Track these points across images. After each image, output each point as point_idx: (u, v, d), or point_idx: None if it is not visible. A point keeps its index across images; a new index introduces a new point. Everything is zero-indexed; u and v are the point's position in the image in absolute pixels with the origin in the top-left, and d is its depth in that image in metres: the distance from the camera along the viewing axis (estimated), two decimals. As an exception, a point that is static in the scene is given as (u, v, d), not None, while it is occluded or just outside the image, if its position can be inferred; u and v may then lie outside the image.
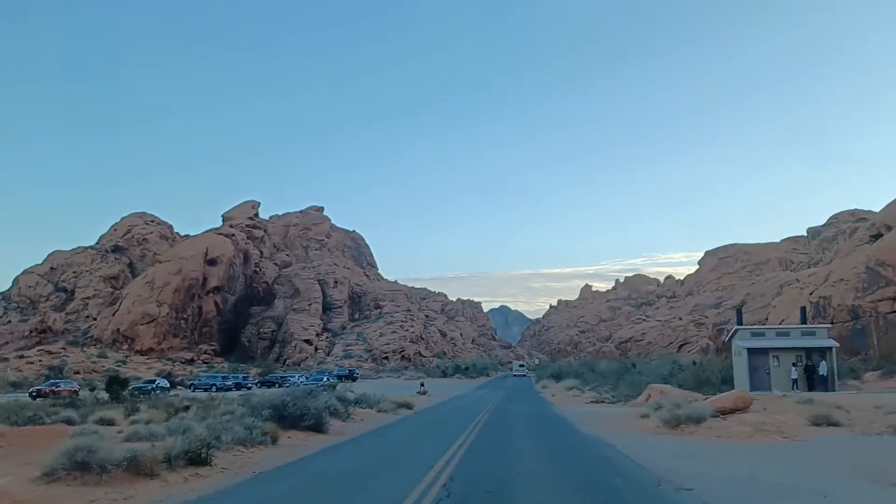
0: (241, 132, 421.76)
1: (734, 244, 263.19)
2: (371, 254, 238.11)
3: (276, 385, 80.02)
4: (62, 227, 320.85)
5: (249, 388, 70.04)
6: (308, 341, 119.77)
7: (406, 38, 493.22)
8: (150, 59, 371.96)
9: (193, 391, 75.78)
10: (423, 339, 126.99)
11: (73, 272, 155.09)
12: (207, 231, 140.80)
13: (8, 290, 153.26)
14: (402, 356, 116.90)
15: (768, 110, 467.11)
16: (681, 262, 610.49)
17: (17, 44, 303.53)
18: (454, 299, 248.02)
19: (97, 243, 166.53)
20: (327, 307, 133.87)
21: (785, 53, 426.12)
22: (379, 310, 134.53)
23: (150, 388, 67.04)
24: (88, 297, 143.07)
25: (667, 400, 32.27)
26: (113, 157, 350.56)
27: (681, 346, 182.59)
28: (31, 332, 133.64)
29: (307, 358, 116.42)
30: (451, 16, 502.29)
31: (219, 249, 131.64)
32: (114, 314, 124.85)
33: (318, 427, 24.38)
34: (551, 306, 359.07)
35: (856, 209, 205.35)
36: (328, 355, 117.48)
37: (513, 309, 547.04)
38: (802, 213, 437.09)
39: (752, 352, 42.88)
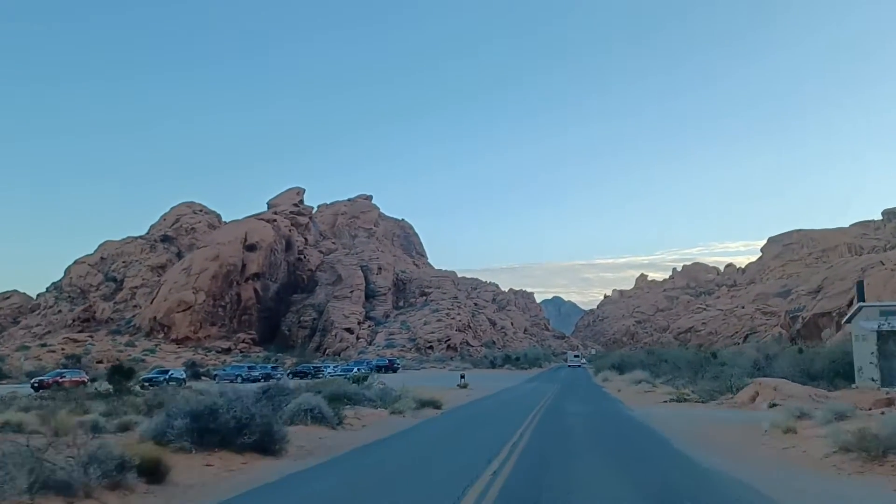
0: (292, 124, 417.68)
1: (799, 230, 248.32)
2: (420, 243, 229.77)
3: (309, 376, 71.50)
4: (116, 218, 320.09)
5: (279, 380, 62.27)
6: (349, 330, 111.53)
7: (454, 28, 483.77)
8: (199, 55, 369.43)
9: (218, 382, 68.86)
10: (470, 327, 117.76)
11: (123, 262, 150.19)
12: (248, 217, 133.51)
13: (60, 280, 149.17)
14: (448, 345, 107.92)
15: (829, 95, 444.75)
16: (739, 252, 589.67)
17: (66, 44, 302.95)
18: (506, 290, 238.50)
19: (147, 233, 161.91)
20: (370, 294, 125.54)
21: (848, 37, 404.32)
22: (425, 297, 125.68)
23: (161, 379, 59.27)
24: (136, 287, 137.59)
25: (789, 400, 22.31)
26: (169, 148, 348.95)
27: (747, 335, 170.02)
28: (74, 320, 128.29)
29: (348, 347, 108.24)
30: (501, 2, 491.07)
31: (258, 235, 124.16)
32: (151, 302, 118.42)
33: (265, 446, 15.16)
34: (606, 296, 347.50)
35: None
36: (370, 344, 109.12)
37: (566, 300, 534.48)
38: (874, 197, 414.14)
39: (884, 335, 32.49)
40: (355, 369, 67.60)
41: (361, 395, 30.10)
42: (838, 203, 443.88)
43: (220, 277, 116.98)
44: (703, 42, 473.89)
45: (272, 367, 76.11)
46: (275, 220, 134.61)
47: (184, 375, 64.29)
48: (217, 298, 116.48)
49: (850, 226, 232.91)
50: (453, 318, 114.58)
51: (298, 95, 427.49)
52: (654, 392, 40.12)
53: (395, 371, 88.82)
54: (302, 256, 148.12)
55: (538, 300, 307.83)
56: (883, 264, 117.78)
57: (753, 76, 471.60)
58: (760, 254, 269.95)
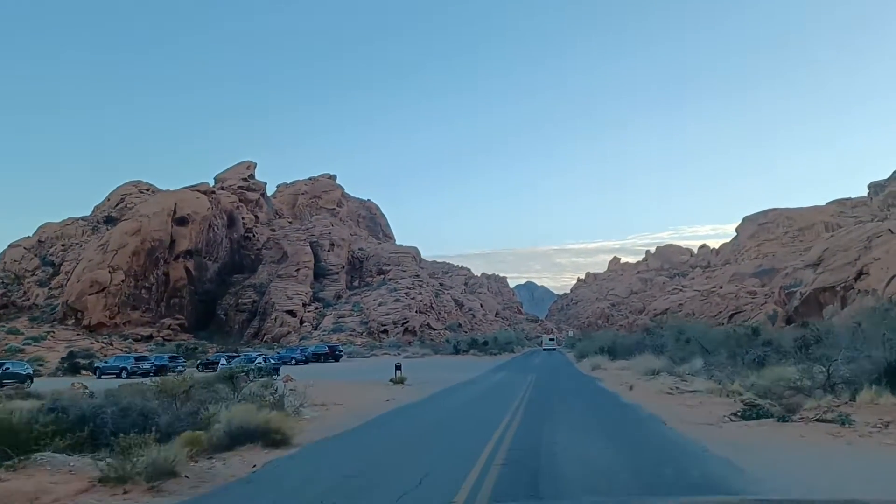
0: (247, 100, 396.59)
1: (775, 209, 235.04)
2: (387, 224, 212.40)
3: (218, 367, 53.57)
4: (61, 200, 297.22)
5: (181, 372, 45.19)
6: (291, 312, 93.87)
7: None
8: (149, 23, 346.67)
9: (99, 377, 51.83)
10: (433, 309, 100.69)
11: (63, 245, 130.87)
12: (183, 189, 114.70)
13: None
14: (406, 329, 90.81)
15: (801, 78, 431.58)
16: (708, 235, 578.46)
17: None
18: (478, 274, 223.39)
19: (91, 214, 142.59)
20: (320, 273, 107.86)
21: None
22: (382, 276, 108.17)
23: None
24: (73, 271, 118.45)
25: None
26: (120, 126, 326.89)
27: (732, 315, 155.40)
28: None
29: (289, 333, 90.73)
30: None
31: (190, 207, 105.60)
32: (65, 284, 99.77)
33: None
34: (579, 280, 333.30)
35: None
36: (315, 329, 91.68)
37: (539, 285, 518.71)
38: (848, 174, 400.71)
39: None
40: (258, 360, 49.87)
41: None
42: (811, 183, 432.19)
43: (143, 254, 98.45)
44: (662, 16, 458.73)
45: (170, 358, 58.12)
46: (213, 193, 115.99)
47: (28, 370, 46.20)
48: (139, 279, 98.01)
49: (827, 204, 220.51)
50: (413, 299, 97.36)
51: (256, 70, 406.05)
52: (696, 395, 22.73)
53: (336, 359, 71.62)
54: (251, 234, 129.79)
55: (511, 285, 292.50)
56: (893, 232, 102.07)
57: (721, 62, 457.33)
58: (735, 234, 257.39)
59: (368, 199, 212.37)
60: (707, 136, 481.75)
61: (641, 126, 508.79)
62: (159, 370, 51.03)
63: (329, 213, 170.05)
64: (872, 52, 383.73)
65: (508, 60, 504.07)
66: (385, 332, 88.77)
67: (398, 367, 36.94)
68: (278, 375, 41.18)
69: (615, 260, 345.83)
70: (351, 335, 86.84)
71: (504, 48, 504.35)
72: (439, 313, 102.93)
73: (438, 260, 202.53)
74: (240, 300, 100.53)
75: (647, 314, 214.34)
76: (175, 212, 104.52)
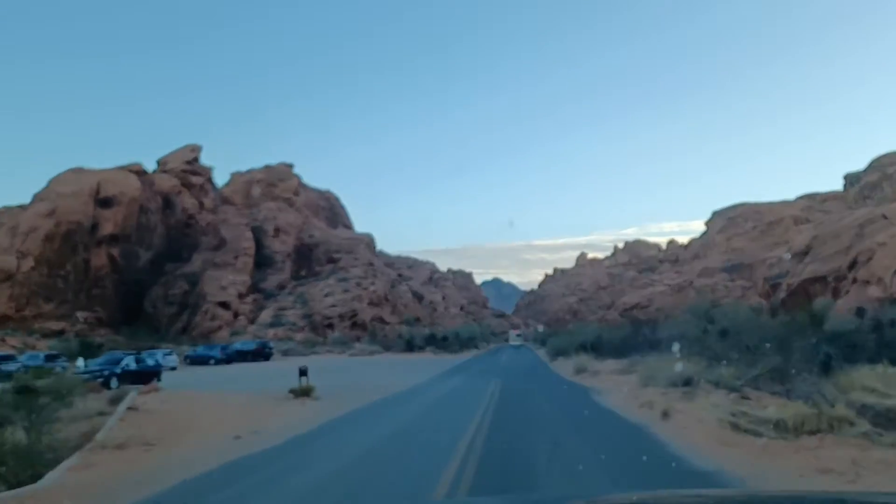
0: (206, 86, 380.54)
1: (744, 203, 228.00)
2: (347, 215, 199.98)
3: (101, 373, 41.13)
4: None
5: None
6: (224, 305, 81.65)
7: None
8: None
9: None
10: (388, 301, 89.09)
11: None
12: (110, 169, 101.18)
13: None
14: (354, 323, 79.16)
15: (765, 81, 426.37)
16: (674, 232, 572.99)
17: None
18: (444, 269, 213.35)
19: (31, 203, 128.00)
20: (264, 262, 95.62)
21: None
22: (332, 264, 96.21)
23: None
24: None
25: None
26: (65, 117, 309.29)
27: (712, 307, 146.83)
28: None
29: (221, 327, 78.54)
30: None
31: (117, 187, 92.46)
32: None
33: None
34: (547, 275, 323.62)
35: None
36: (251, 323, 79.51)
37: (505, 281, 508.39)
38: (817, 169, 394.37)
39: None
40: (148, 360, 37.67)
41: None
42: (780, 178, 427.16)
43: (59, 239, 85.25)
44: (631, 16, 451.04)
45: (48, 357, 45.57)
46: (145, 174, 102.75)
47: None
48: (54, 266, 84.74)
49: (796, 198, 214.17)
50: (365, 290, 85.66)
51: (219, 61, 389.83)
52: (798, 437, 11.19)
53: (267, 358, 59.70)
54: (193, 221, 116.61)
55: (478, 282, 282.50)
56: (887, 218, 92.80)
57: (689, 58, 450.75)
58: (705, 229, 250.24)
59: (328, 190, 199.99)
60: (674, 132, 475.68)
61: (607, 124, 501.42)
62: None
63: (285, 202, 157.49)
64: (843, 46, 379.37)
65: (479, 58, 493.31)
66: (330, 326, 77.15)
67: (303, 373, 25.32)
68: (159, 381, 31.32)
69: (582, 255, 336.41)
70: (290, 330, 75.03)
71: (475, 46, 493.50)
72: (395, 306, 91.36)
73: (403, 255, 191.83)
74: (169, 291, 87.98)
75: (617, 309, 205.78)
76: (98, 192, 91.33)
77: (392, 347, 70.38)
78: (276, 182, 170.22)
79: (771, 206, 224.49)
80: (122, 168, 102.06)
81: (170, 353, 52.86)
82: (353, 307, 79.82)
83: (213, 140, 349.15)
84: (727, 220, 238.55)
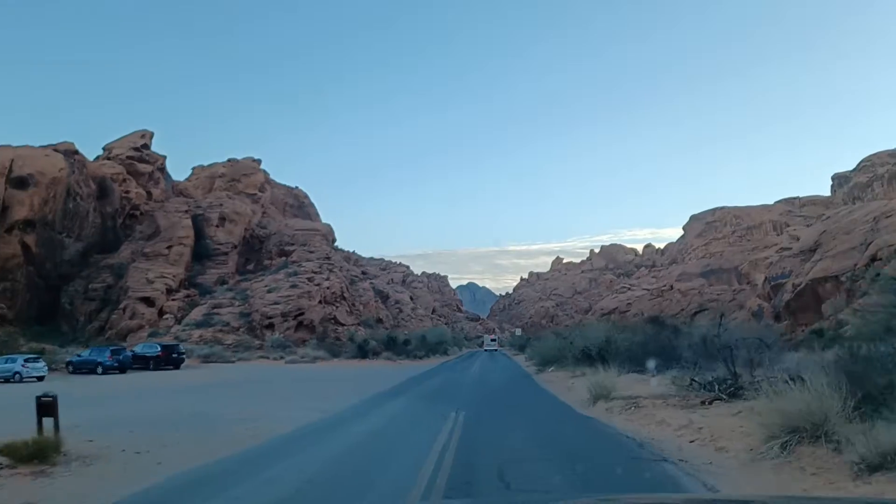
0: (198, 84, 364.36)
1: (722, 207, 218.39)
2: (318, 214, 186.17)
3: None
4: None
5: None
6: (148, 301, 67.47)
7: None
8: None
9: None
10: (345, 299, 75.31)
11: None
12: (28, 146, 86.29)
13: None
14: (300, 323, 65.25)
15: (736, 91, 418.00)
16: (647, 239, 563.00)
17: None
18: (419, 273, 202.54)
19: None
20: (205, 253, 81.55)
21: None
22: (284, 258, 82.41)
23: None
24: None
25: None
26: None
27: (696, 313, 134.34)
28: None
29: (141, 326, 64.39)
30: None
31: (34, 166, 77.65)
32: None
33: None
34: (522, 279, 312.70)
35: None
36: (178, 322, 65.41)
37: (480, 286, 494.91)
38: (797, 174, 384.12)
39: None
40: None
41: None
42: (750, 185, 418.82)
43: (-45, 223, 70.56)
44: (610, 22, 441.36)
45: None
46: (75, 153, 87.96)
47: None
48: (-51, 255, 70.07)
49: (775, 203, 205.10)
50: (318, 286, 71.87)
51: (190, 46, 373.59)
52: None
53: (176, 365, 45.67)
54: (137, 212, 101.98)
55: (453, 286, 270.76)
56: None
57: (666, 64, 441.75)
58: (682, 233, 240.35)
59: (297, 187, 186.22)
60: (648, 139, 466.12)
61: (582, 130, 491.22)
62: None
63: (250, 198, 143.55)
64: (822, 50, 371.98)
65: (455, 63, 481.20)
66: (270, 327, 63.35)
67: (45, 409, 11.73)
68: None
69: (558, 260, 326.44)
70: (221, 331, 61.12)
71: (453, 51, 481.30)
72: (352, 305, 77.61)
73: (376, 257, 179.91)
74: (90, 285, 73.65)
75: (594, 313, 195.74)
76: (11, 170, 76.69)
77: (339, 353, 56.82)
78: (240, 177, 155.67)
79: (749, 210, 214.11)
80: (47, 147, 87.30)
81: (36, 359, 38.91)
82: (300, 305, 66.03)
83: (189, 142, 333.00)
84: (705, 225, 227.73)
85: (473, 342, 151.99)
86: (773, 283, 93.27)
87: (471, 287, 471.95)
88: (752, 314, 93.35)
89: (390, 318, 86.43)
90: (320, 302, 70.40)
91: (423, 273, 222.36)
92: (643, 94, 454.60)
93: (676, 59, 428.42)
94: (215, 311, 66.61)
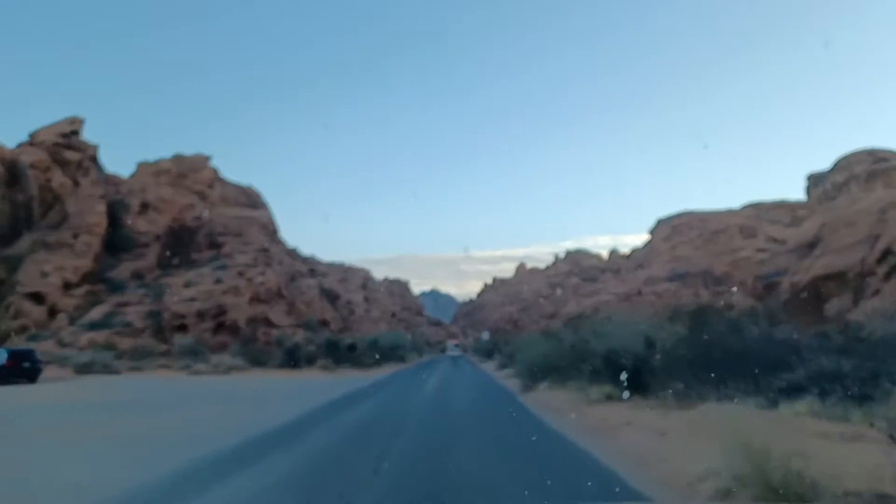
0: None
1: (689, 212, 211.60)
2: (272, 215, 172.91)
3: None
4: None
5: None
6: (38, 297, 54.17)
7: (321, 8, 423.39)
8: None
9: None
10: (282, 297, 62.51)
11: None
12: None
13: None
14: (221, 324, 52.41)
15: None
16: (608, 245, 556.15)
17: None
18: (380, 278, 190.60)
19: None
20: (122, 244, 68.33)
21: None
22: (216, 250, 69.60)
23: None
24: None
25: None
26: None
27: (670, 317, 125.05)
28: None
29: (27, 327, 51.02)
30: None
31: (-85, 140, 63.75)
32: None
33: None
34: (486, 284, 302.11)
35: (873, 148, 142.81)
36: (72, 323, 52.16)
37: (443, 292, 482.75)
38: (769, 175, 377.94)
39: None
40: None
41: None
42: (715, 190, 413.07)
43: None
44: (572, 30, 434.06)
45: None
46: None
47: None
48: None
49: (742, 207, 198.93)
50: (249, 280, 59.24)
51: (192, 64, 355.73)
52: None
53: (31, 378, 32.69)
54: (58, 202, 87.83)
55: (416, 292, 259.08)
56: (917, 200, 70.76)
57: (627, 67, 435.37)
58: (649, 237, 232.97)
59: (250, 186, 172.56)
60: (609, 145, 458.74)
61: (545, 138, 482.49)
62: None
63: (197, 195, 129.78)
64: (782, 52, 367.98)
65: (418, 70, 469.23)
66: (182, 328, 50.47)
67: None
68: None
69: (522, 266, 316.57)
70: (119, 334, 48.05)
71: (421, 54, 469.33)
72: (292, 305, 64.76)
73: (336, 262, 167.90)
74: (-24, 280, 60.05)
75: (560, 318, 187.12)
76: None
77: (269, 360, 44.25)
78: (188, 172, 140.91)
79: (716, 214, 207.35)
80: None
81: None
82: (223, 303, 53.20)
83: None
84: (671, 229, 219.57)
85: (435, 348, 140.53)
86: (765, 283, 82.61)
87: (434, 293, 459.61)
88: (744, 315, 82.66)
89: (339, 320, 73.91)
90: (251, 300, 57.61)
91: (385, 278, 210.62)
92: (602, 99, 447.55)
93: (636, 60, 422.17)
94: (120, 309, 53.44)
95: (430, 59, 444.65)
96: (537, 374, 24.02)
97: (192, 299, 53.08)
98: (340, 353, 49.25)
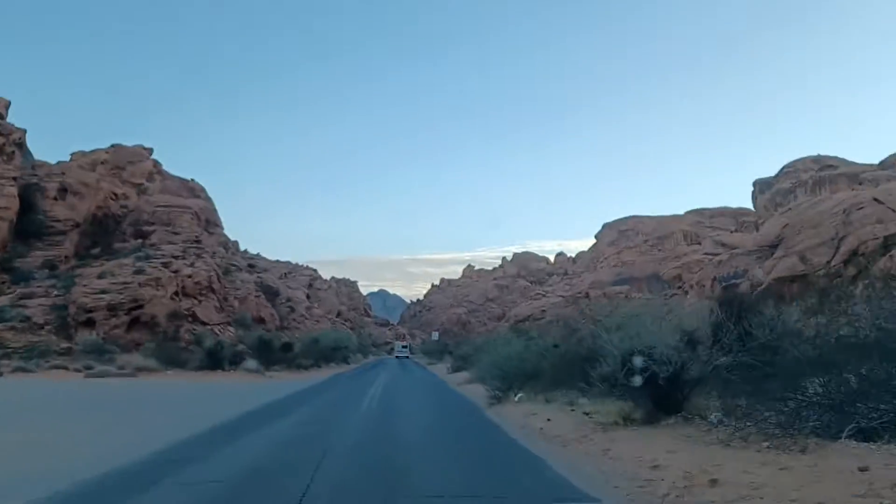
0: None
1: (634, 216, 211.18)
2: (215, 210, 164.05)
3: None
4: None
5: None
6: (-79, 288, 46.23)
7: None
8: None
9: None
10: (213, 291, 55.70)
11: None
12: None
13: None
14: (136, 320, 45.51)
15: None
16: (554, 251, 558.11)
17: None
18: (327, 277, 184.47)
19: None
20: (36, 231, 60.51)
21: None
22: (141, 240, 62.40)
23: None
24: None
25: None
26: None
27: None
28: None
29: None
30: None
31: None
32: None
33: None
34: (434, 285, 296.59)
35: (819, 155, 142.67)
36: (-41, 318, 44.68)
37: (391, 293, 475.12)
38: (715, 183, 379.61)
39: None
40: None
41: None
42: (659, 195, 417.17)
43: None
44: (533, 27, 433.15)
45: None
46: None
47: None
48: None
49: (686, 213, 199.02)
50: (175, 272, 52.45)
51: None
52: None
53: None
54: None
55: (364, 293, 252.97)
56: (880, 202, 67.92)
57: (573, 75, 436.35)
58: (595, 240, 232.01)
59: (192, 179, 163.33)
60: (555, 151, 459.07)
61: (490, 143, 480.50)
62: None
63: (135, 188, 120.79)
64: (734, 59, 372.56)
65: (366, 69, 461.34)
66: (89, 323, 43.57)
67: None
68: None
69: (469, 267, 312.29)
70: (13, 329, 40.78)
71: (373, 52, 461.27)
72: (224, 299, 57.95)
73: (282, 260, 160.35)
74: None
75: (508, 320, 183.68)
76: None
77: (179, 362, 37.70)
78: (125, 164, 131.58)
79: (661, 219, 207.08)
80: None
81: None
82: (139, 296, 46.30)
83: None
84: (618, 234, 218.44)
85: (382, 349, 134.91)
86: (724, 285, 79.02)
87: (381, 294, 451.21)
88: (702, 320, 78.82)
89: (276, 318, 67.33)
90: (176, 293, 50.70)
91: (333, 278, 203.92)
92: (550, 105, 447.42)
93: (587, 67, 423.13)
94: (21, 302, 46.05)
95: (383, 56, 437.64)
96: (510, 381, 18.52)
97: (104, 291, 45.99)
98: (273, 354, 42.94)
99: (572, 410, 14.60)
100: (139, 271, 50.64)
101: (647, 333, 12.76)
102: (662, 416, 11.73)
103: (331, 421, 15.21)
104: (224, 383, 30.68)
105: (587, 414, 13.55)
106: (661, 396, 12.11)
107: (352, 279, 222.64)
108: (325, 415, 17.00)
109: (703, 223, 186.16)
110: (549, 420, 13.47)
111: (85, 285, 47.24)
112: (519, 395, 17.71)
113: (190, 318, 49.95)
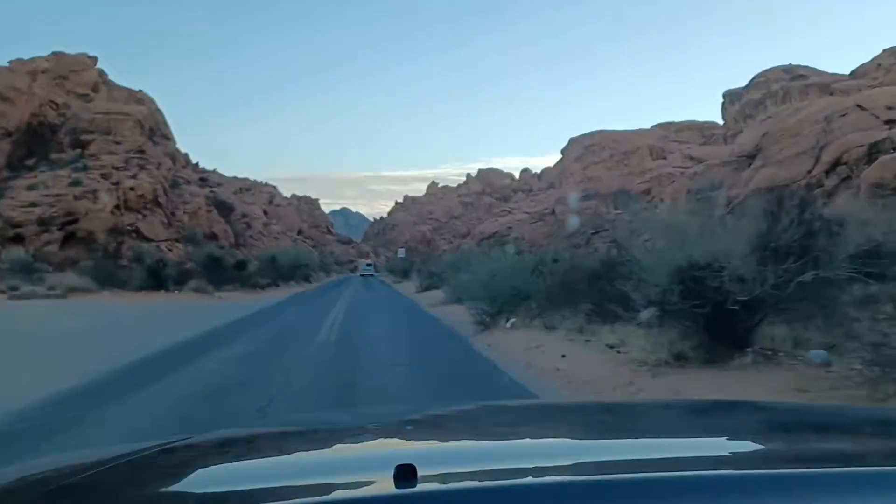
0: None
1: (601, 131, 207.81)
2: (166, 123, 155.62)
3: None
4: None
5: None
6: None
7: None
8: None
9: None
10: (160, 205, 51.18)
11: None
12: None
13: None
14: (71, 235, 41.17)
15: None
16: (517, 167, 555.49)
17: None
18: (288, 195, 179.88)
19: None
20: (-42, 141, 54.80)
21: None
22: (80, 150, 57.14)
23: None
24: None
25: None
26: None
27: (594, 233, 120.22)
28: None
29: None
30: None
31: None
32: None
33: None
34: (397, 202, 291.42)
35: (790, 65, 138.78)
36: None
37: (354, 211, 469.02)
38: (683, 95, 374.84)
39: None
40: None
41: None
42: (627, 109, 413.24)
43: None
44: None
45: None
46: None
47: None
48: None
49: (652, 127, 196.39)
50: (116, 184, 47.88)
51: None
52: None
53: None
54: None
55: (326, 211, 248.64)
56: (863, 108, 65.28)
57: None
58: (561, 155, 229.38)
59: (141, 90, 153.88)
60: (521, 60, 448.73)
61: (455, 53, 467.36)
62: None
63: (80, 98, 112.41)
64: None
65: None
66: (18, 239, 39.16)
67: None
68: None
69: (433, 184, 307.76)
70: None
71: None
72: (172, 215, 53.41)
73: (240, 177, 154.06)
74: None
75: (474, 238, 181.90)
76: None
77: (129, 281, 33.87)
78: (67, 73, 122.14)
79: (627, 134, 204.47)
80: None
81: None
82: (74, 209, 41.76)
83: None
84: (584, 149, 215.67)
85: (346, 267, 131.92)
86: (699, 198, 76.57)
87: (344, 212, 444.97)
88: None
89: (231, 235, 63.16)
90: (117, 207, 46.20)
91: (293, 195, 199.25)
92: (510, 19, 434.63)
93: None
94: (-62, 217, 41.30)
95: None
96: (499, 303, 15.23)
97: (34, 204, 41.38)
98: (225, 273, 39.17)
99: (587, 342, 11.33)
100: (75, 183, 45.86)
101: (701, 242, 9.37)
102: (734, 352, 8.44)
103: (285, 355, 11.77)
104: (165, 304, 27.01)
105: (612, 347, 10.29)
106: (725, 326, 8.83)
107: (313, 196, 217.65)
108: (278, 346, 13.53)
109: (669, 137, 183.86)
110: (563, 356, 10.15)
111: (13, 198, 42.45)
112: (511, 320, 14.47)
113: (133, 234, 45.69)
